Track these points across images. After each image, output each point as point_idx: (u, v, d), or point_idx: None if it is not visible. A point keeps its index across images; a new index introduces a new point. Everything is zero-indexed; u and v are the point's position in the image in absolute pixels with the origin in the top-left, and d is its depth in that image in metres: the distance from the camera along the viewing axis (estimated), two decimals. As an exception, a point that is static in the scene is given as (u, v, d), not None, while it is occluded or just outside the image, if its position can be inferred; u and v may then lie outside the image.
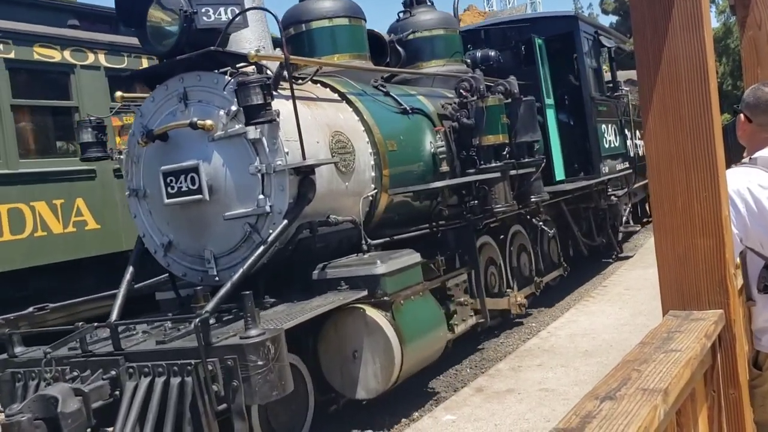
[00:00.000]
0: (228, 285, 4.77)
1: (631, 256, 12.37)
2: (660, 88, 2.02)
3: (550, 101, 10.18)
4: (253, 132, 5.12)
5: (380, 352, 5.20)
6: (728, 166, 2.29)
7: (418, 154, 6.89)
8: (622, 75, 21.63)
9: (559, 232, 11.05)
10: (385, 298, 5.36)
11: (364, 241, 5.74)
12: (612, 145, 11.10)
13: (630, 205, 13.35)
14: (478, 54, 10.24)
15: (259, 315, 4.18)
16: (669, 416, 1.59)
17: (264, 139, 5.16)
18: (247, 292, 4.17)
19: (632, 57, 2.23)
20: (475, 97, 7.45)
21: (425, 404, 6.04)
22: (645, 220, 17.49)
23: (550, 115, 10.15)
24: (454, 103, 7.50)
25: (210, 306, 4.49)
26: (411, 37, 8.77)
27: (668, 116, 2.02)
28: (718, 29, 32.96)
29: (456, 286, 6.82)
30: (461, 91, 7.58)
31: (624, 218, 12.97)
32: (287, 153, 5.14)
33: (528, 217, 8.94)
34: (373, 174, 6.21)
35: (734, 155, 2.86)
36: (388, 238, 6.36)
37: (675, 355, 1.73)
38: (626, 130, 13.66)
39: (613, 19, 45.41)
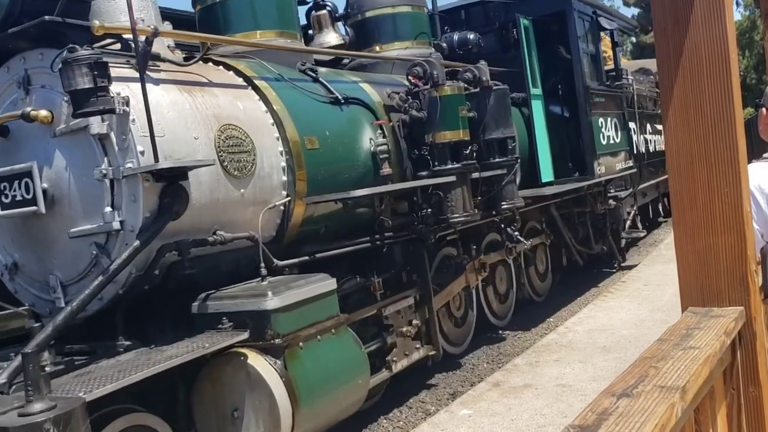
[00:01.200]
0: (49, 329, 3.58)
1: (635, 266, 11.07)
2: (681, 82, 1.99)
3: (537, 91, 8.88)
4: (97, 126, 3.94)
5: (264, 413, 4.00)
6: (749, 162, 2.24)
7: (352, 153, 5.66)
8: (634, 64, 20.21)
9: (552, 239, 9.80)
10: (277, 341, 4.15)
11: (262, 264, 4.52)
12: (612, 141, 9.76)
13: (636, 208, 11.99)
14: (456, 37, 8.97)
15: (47, 382, 2.98)
16: (687, 414, 1.58)
17: (113, 135, 3.97)
18: (28, 351, 3.01)
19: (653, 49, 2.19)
20: (428, 86, 6.19)
21: (441, 398, 5.99)
22: (661, 218, 16.09)
23: (537, 107, 8.85)
24: (403, 92, 6.24)
25: (5, 374, 3.30)
26: (369, 14, 7.53)
27: (689, 110, 1.99)
28: (741, 22, 31.33)
29: (397, 314, 5.59)
30: (410, 78, 6.32)
31: (628, 222, 11.62)
32: (142, 152, 3.95)
33: (502, 226, 7.67)
34: (283, 178, 5.00)
35: (757, 150, 2.79)
36: (307, 257, 5.15)
37: (694, 353, 1.72)
38: (631, 124, 12.30)
39: (635, 11, 43.74)
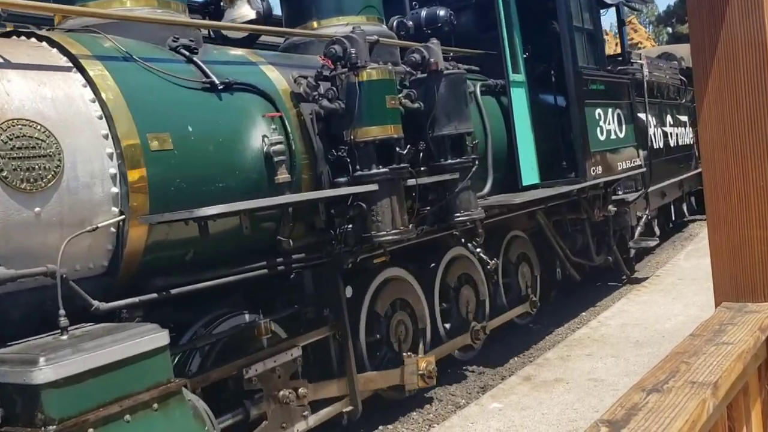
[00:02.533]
0: None
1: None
2: (715, 73, 1.97)
3: (518, 77, 7.46)
4: None
5: None
6: None
7: (231, 155, 4.35)
8: (659, 49, 18.51)
9: (543, 251, 8.39)
10: (50, 428, 2.90)
11: (61, 309, 3.25)
12: (613, 137, 8.28)
13: (649, 212, 10.47)
14: (423, 13, 7.60)
15: None
16: (719, 410, 1.55)
17: None
18: None
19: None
20: (345, 69, 4.86)
21: (472, 392, 5.97)
22: (687, 218, 14.44)
23: (518, 96, 7.43)
24: (311, 77, 4.91)
25: None
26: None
27: (724, 102, 1.96)
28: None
29: (272, 373, 4.25)
30: (322, 58, 4.98)
31: (639, 229, 10.11)
32: None
33: (463, 240, 6.30)
34: (113, 190, 3.72)
35: None
36: (155, 294, 3.88)
37: (726, 348, 1.69)
38: (642, 116, 10.76)
39: (671, 1, 41.74)
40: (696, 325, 1.92)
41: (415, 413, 5.56)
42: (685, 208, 14.04)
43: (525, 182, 7.36)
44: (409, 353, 5.34)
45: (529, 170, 7.46)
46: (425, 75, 5.65)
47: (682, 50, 17.18)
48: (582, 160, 7.50)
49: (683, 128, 13.86)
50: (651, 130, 11.20)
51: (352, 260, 4.92)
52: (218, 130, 4.29)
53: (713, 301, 2.09)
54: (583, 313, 8.28)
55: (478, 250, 6.18)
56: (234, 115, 4.43)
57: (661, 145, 11.83)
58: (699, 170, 15.03)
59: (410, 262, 6.32)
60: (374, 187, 4.72)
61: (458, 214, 5.71)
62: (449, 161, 5.67)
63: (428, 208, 5.71)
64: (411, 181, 5.13)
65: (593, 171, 7.67)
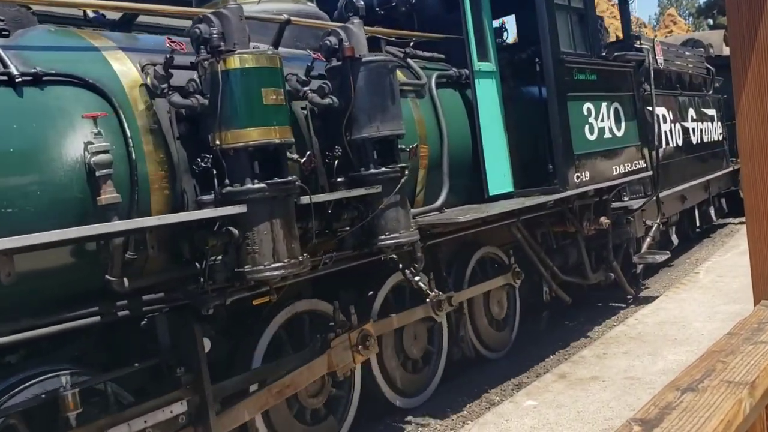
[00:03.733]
0: None
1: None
2: (755, 67, 1.93)
3: (485, 66, 6.23)
4: None
5: None
6: None
7: (23, 170, 3.26)
8: (685, 36, 16.96)
9: (530, 269, 7.17)
10: None
11: None
12: (608, 136, 7.00)
13: (660, 220, 9.12)
14: (377, -8, 6.45)
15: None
16: (757, 410, 1.53)
17: None
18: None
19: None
20: (209, 56, 3.74)
21: (506, 389, 5.95)
22: (727, 218, 13.02)
23: (486, 88, 6.21)
24: (160, 66, 3.79)
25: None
26: (208, -45, 5.12)
27: (763, 96, 1.94)
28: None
29: None
30: (168, 41, 3.87)
31: (648, 240, 8.79)
32: None
33: (401, 266, 5.13)
34: None
35: None
36: None
37: (765, 347, 1.67)
38: (647, 110, 9.41)
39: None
40: (735, 323, 1.92)
41: (448, 410, 5.53)
42: (712, 212, 12.58)
43: (492, 191, 6.15)
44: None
45: (498, 177, 6.25)
46: (338, 63, 4.50)
47: (713, 37, 15.66)
48: (562, 165, 6.25)
49: (710, 123, 12.41)
50: (666, 126, 9.84)
51: (219, 302, 3.80)
52: (8, 138, 3.20)
53: None
54: (621, 311, 8.14)
55: (417, 278, 5.00)
56: (38, 116, 3.33)
57: (680, 143, 10.45)
58: (730, 169, 13.57)
59: (345, 289, 5.21)
60: (239, 208, 3.59)
61: (383, 237, 4.55)
62: (371, 171, 4.51)
63: (347, 228, 4.56)
64: (304, 199, 3.98)
65: (578, 177, 6.41)
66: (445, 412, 5.49)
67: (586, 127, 6.66)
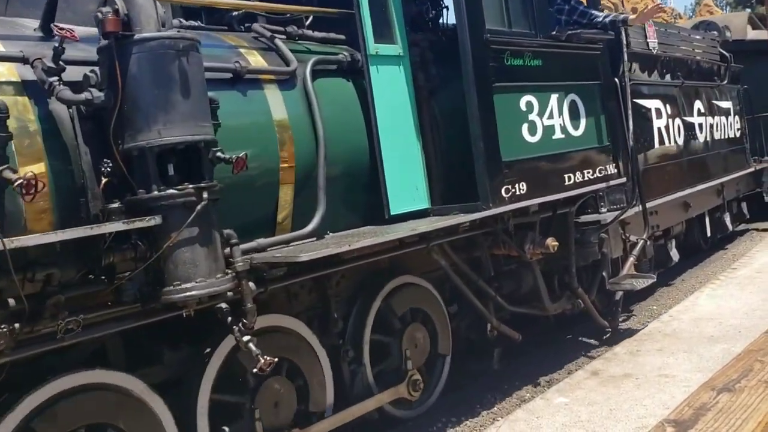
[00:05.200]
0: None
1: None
2: None
3: (388, 49, 4.87)
4: None
5: None
6: None
7: None
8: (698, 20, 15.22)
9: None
10: None
11: None
12: (559, 136, 5.57)
13: (648, 237, 7.61)
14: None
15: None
16: None
17: None
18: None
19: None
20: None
21: (538, 386, 5.88)
22: (735, 228, 11.40)
23: (387, 79, 4.86)
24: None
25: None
26: None
27: None
28: None
29: None
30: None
31: (631, 260, 7.30)
32: None
33: (230, 321, 3.79)
34: None
35: None
36: None
37: None
38: (644, 103, 7.93)
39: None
40: None
41: (479, 407, 5.52)
42: (728, 219, 10.95)
43: (396, 209, 4.80)
44: None
45: (407, 191, 4.90)
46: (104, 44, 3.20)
47: (735, 20, 13.96)
48: (485, 176, 4.85)
49: (725, 117, 10.79)
50: (660, 122, 8.32)
51: None
52: None
53: None
54: (654, 307, 8.05)
55: (246, 338, 3.65)
56: None
57: (681, 141, 8.89)
58: (751, 169, 11.92)
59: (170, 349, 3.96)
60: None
61: (170, 289, 3.24)
62: (152, 194, 3.20)
63: (127, 273, 3.27)
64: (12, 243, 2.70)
65: (509, 191, 5.00)
66: (474, 409, 5.47)
67: (525, 126, 5.25)
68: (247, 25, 4.96)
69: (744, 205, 12.09)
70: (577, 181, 5.73)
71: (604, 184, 6.06)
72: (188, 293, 3.23)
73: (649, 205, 7.87)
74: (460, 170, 5.25)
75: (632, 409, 4.83)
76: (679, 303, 7.81)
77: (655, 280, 7.09)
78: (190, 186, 3.25)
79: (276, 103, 4.29)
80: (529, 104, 5.30)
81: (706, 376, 4.86)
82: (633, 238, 7.43)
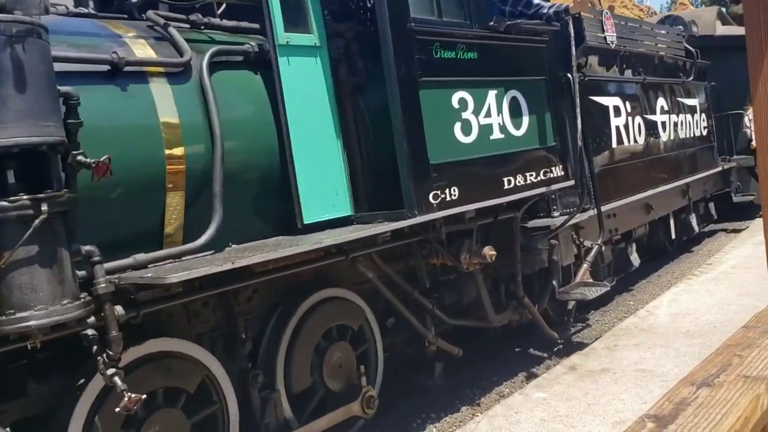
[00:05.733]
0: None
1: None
2: None
3: (301, 39, 4.37)
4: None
5: None
6: None
7: None
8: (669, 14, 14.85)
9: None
10: None
11: None
12: (497, 136, 5.10)
13: (603, 242, 7.18)
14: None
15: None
16: None
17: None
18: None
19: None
20: None
21: (516, 381, 5.93)
22: (702, 229, 11.06)
23: (300, 72, 4.36)
24: None
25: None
26: None
27: None
28: None
29: None
30: None
31: (585, 268, 6.85)
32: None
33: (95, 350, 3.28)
34: None
35: None
36: None
37: None
38: (601, 101, 7.50)
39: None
40: (750, 316, 1.90)
41: (458, 402, 5.54)
42: (694, 220, 10.57)
43: (309, 218, 4.31)
44: None
45: (323, 197, 4.40)
46: None
47: (704, 15, 13.62)
48: (410, 180, 4.37)
49: (690, 115, 10.41)
50: (619, 121, 7.89)
51: None
52: None
53: None
54: (631, 302, 8.15)
55: (111, 371, 3.15)
56: None
57: (641, 140, 8.47)
58: (719, 169, 11.56)
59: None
60: None
61: (3, 318, 2.72)
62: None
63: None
64: None
65: (438, 196, 4.52)
66: (454, 405, 5.48)
67: (458, 125, 4.77)
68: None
69: (712, 205, 11.73)
70: (519, 184, 5.27)
71: (548, 188, 5.60)
72: (23, 324, 2.72)
73: (606, 207, 7.46)
74: (391, 173, 4.76)
75: (610, 404, 4.89)
76: (655, 298, 7.87)
77: (609, 288, 6.65)
78: (25, 197, 2.73)
79: (163, 98, 3.78)
80: (462, 101, 4.83)
81: (683, 370, 4.85)
82: (587, 243, 7.00)
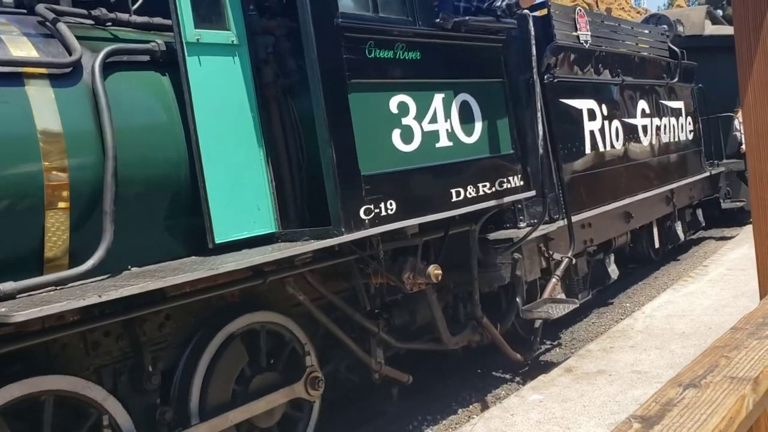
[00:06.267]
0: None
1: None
2: (761, 60, 1.90)
3: (215, 36, 3.91)
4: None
5: None
6: None
7: None
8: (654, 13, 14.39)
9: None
10: None
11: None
12: (442, 144, 4.64)
13: (579, 255, 6.72)
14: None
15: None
16: (760, 407, 1.53)
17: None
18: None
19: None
20: None
21: (512, 383, 5.98)
22: (689, 237, 10.61)
23: (213, 74, 3.90)
24: None
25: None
26: None
27: None
28: None
29: None
30: None
31: (553, 284, 6.38)
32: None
33: None
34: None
35: None
36: None
37: None
38: (574, 104, 7.06)
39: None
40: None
41: (454, 404, 5.55)
42: (679, 228, 10.10)
43: (223, 237, 3.85)
44: None
45: (241, 213, 3.94)
46: None
47: (693, 14, 13.18)
48: (335, 194, 3.91)
49: (675, 118, 9.95)
50: (593, 125, 7.43)
51: None
52: None
53: None
54: (627, 304, 8.18)
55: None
56: None
57: (618, 146, 8.00)
58: (707, 174, 11.10)
59: None
60: None
61: None
62: None
63: None
64: None
65: (371, 211, 4.06)
66: (450, 407, 5.51)
67: (396, 132, 4.31)
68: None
69: (700, 212, 11.26)
70: (470, 196, 4.80)
71: (504, 200, 5.13)
72: None
73: (579, 217, 7.01)
74: (324, 185, 4.30)
75: (605, 405, 4.89)
76: (651, 300, 7.88)
77: (578, 305, 6.17)
78: None
79: (43, 103, 3.32)
80: (403, 106, 4.37)
81: (678, 372, 4.69)
82: (557, 256, 6.53)
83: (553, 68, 6.76)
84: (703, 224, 11.39)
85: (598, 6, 27.09)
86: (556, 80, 6.71)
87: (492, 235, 5.97)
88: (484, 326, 5.57)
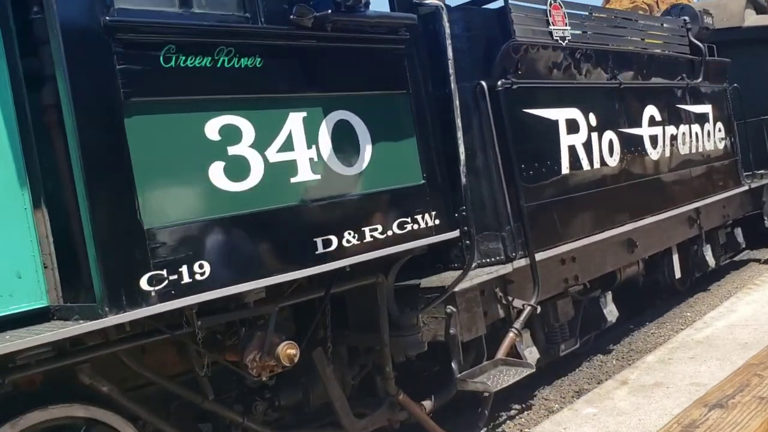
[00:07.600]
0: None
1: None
2: None
3: None
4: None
5: None
6: None
7: None
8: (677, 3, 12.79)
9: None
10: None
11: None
12: (305, 178, 3.50)
13: (536, 304, 5.41)
14: None
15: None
16: None
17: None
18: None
19: None
20: None
21: (566, 396, 5.89)
22: (719, 263, 9.11)
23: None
24: None
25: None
26: None
27: None
28: None
29: None
30: None
31: (510, 340, 5.08)
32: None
33: None
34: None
35: None
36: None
37: None
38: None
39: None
40: None
41: (505, 416, 5.48)
42: (708, 253, 8.59)
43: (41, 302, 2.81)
44: None
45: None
46: None
47: (730, 4, 11.58)
48: (97, 259, 2.81)
49: (699, 125, 8.48)
50: (574, 139, 6.10)
51: None
52: None
53: None
54: (688, 313, 8.05)
55: None
56: None
57: (612, 163, 6.61)
58: (745, 187, 9.55)
59: None
60: None
61: None
62: None
63: None
64: None
65: (165, 279, 2.94)
66: (500, 420, 5.43)
67: (219, 165, 3.18)
68: None
69: (739, 231, 9.68)
70: (347, 244, 3.63)
71: (406, 245, 3.93)
72: None
73: (556, 251, 5.74)
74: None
75: (661, 419, 4.68)
76: (713, 309, 7.67)
77: (534, 369, 4.90)
78: None
79: None
80: (230, 130, 3.24)
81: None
82: (518, 303, 5.27)
83: (513, 72, 5.51)
84: (743, 245, 9.81)
85: (659, 6, 25.34)
86: (515, 86, 5.46)
87: (424, 282, 4.77)
88: (401, 404, 4.36)
